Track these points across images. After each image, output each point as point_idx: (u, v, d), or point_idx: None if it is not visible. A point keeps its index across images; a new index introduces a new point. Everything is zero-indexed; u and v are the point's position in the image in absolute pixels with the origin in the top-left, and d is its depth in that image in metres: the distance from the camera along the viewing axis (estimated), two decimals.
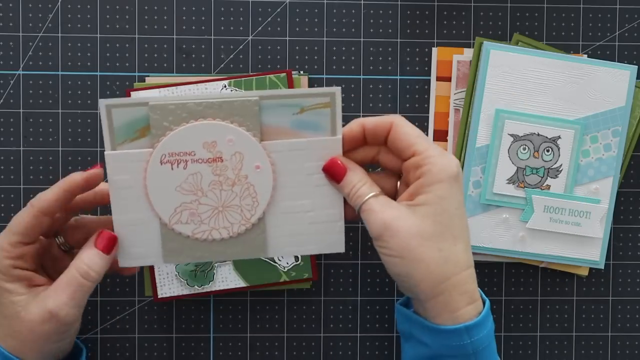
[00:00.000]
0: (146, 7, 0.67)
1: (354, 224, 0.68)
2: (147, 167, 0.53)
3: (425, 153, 0.52)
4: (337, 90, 0.53)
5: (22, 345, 0.54)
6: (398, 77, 0.68)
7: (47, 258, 0.58)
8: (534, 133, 0.66)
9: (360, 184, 0.53)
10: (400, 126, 0.53)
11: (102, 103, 0.52)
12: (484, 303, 0.54)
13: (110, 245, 0.54)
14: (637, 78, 0.67)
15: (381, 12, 0.68)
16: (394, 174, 0.56)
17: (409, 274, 0.52)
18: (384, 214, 0.51)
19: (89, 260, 0.53)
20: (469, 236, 0.54)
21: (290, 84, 0.65)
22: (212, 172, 0.53)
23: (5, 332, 0.54)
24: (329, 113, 0.54)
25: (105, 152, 0.53)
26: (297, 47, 0.67)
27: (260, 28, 0.67)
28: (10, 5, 0.66)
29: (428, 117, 0.68)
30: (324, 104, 0.54)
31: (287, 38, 0.67)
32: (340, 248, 0.56)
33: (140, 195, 0.54)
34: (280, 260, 0.66)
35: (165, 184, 0.53)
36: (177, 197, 0.54)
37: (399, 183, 0.56)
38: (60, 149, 0.66)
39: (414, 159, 0.52)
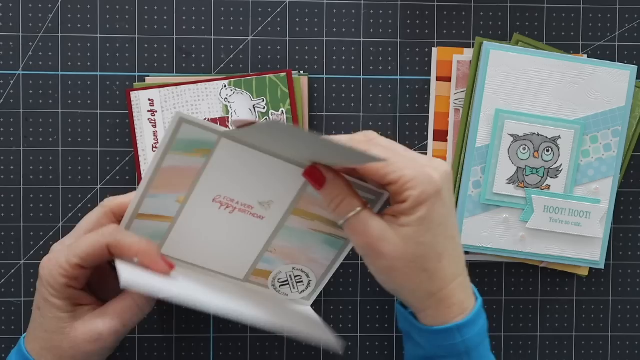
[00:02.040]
0: (146, 7, 0.67)
1: None
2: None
3: (401, 181, 0.50)
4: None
5: None
6: (398, 77, 0.68)
7: (95, 273, 0.57)
8: (534, 133, 0.66)
9: (339, 199, 0.52)
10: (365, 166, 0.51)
11: (178, 115, 0.52)
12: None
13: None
14: (637, 78, 0.67)
15: (381, 12, 0.68)
16: None
17: (395, 290, 0.53)
18: (366, 235, 0.51)
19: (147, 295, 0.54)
20: (458, 243, 0.53)
21: (290, 83, 0.65)
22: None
23: (42, 346, 0.55)
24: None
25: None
26: (297, 47, 0.67)
27: (260, 28, 0.67)
28: (10, 5, 0.66)
29: (428, 117, 0.68)
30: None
31: (287, 38, 0.67)
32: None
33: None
34: None
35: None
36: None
37: None
38: (60, 149, 0.66)
39: (391, 187, 0.51)
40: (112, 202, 0.55)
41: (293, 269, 0.58)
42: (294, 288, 0.59)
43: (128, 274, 0.50)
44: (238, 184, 0.55)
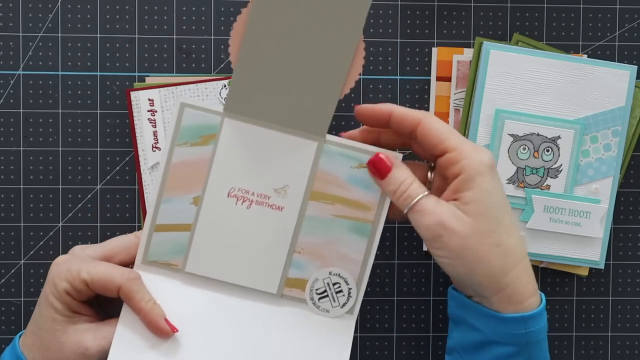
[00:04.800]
0: (146, 7, 0.67)
1: None
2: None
3: (459, 148, 0.51)
4: (398, 156, 0.55)
5: None
6: (398, 77, 0.68)
7: None
8: (534, 133, 0.66)
9: (408, 181, 0.52)
10: (429, 123, 0.52)
11: (179, 100, 0.53)
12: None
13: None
14: (637, 78, 0.67)
15: (381, 12, 0.68)
16: (423, 163, 0.56)
17: (470, 272, 0.52)
18: (438, 214, 0.51)
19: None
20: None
21: None
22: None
23: (34, 343, 0.55)
24: None
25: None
26: None
27: None
28: (10, 5, 0.66)
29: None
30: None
31: None
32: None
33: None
34: None
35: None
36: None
37: (430, 174, 0.56)
38: (60, 149, 0.66)
39: (447, 155, 0.52)
40: (131, 288, 0.55)
41: (330, 274, 0.56)
42: (334, 301, 0.57)
43: (118, 354, 0.53)
44: (250, 171, 0.54)
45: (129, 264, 0.56)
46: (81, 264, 0.54)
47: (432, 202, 0.52)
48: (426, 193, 0.52)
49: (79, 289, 0.53)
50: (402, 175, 0.53)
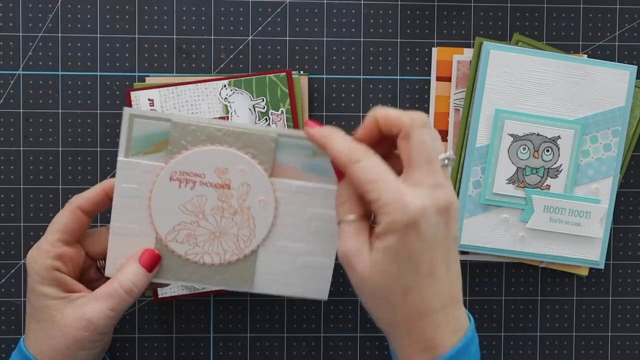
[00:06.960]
0: (146, 7, 0.67)
1: None
2: (155, 180, 0.54)
3: (378, 203, 0.47)
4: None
5: (53, 351, 0.54)
6: (398, 77, 0.68)
7: (85, 279, 0.58)
8: (534, 133, 0.66)
9: (341, 199, 0.50)
10: (357, 172, 0.48)
11: (127, 111, 0.53)
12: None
13: (155, 263, 0.54)
14: (637, 78, 0.67)
15: (381, 12, 0.68)
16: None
17: (371, 310, 0.50)
18: (346, 245, 0.48)
19: (132, 276, 0.54)
20: (439, 279, 0.48)
21: (290, 83, 0.65)
22: (218, 197, 0.54)
23: (36, 337, 0.55)
24: None
25: (119, 158, 0.53)
26: (297, 47, 0.67)
27: (260, 28, 0.67)
28: (10, 5, 0.66)
29: (428, 117, 0.68)
30: None
31: (287, 38, 0.67)
32: (324, 296, 0.57)
33: (143, 207, 0.54)
34: None
35: (169, 200, 0.54)
36: (178, 216, 0.54)
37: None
38: (60, 149, 0.66)
39: (372, 206, 0.48)
40: (78, 199, 0.55)
41: None
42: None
43: (112, 264, 0.54)
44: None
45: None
46: (44, 236, 0.55)
47: (347, 231, 0.49)
48: (351, 218, 0.49)
49: (59, 253, 0.54)
50: (342, 194, 0.50)
